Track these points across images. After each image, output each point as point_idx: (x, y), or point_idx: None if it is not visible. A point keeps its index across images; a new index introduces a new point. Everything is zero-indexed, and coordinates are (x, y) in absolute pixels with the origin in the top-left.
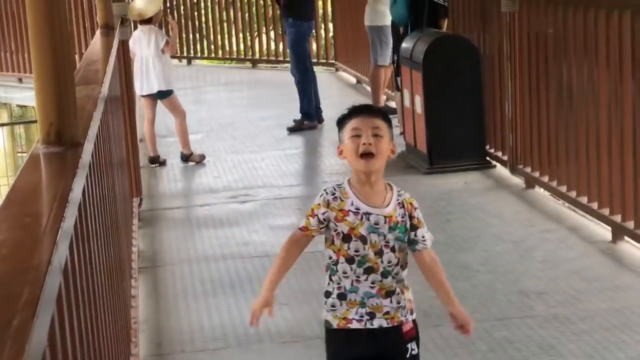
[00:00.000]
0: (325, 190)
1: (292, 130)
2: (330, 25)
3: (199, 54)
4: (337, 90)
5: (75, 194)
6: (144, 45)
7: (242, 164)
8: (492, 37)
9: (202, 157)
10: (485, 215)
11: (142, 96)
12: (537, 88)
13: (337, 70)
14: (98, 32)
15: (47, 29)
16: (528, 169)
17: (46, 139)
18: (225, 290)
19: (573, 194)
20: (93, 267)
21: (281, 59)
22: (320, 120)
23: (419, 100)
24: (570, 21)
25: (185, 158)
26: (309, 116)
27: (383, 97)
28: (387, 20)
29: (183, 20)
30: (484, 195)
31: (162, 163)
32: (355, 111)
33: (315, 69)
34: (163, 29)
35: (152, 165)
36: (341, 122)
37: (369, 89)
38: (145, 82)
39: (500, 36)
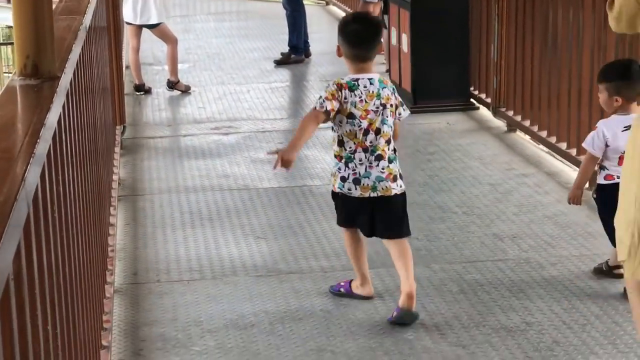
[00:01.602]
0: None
1: (278, 63)
2: None
3: None
4: (326, 24)
5: (49, 124)
6: None
7: (227, 96)
8: None
9: (188, 87)
10: (465, 157)
11: (129, 24)
12: (523, 32)
13: (327, 4)
14: None
15: None
16: (510, 113)
17: (23, 71)
18: (204, 222)
19: (553, 139)
20: (67, 196)
21: None
22: (308, 54)
23: (405, 39)
24: None
25: (172, 85)
26: (297, 50)
27: None
28: None
29: None
30: (466, 137)
31: (147, 91)
32: (355, 19)
33: (305, 2)
34: None
35: (137, 93)
36: (344, 27)
37: None
38: (141, 13)
39: None
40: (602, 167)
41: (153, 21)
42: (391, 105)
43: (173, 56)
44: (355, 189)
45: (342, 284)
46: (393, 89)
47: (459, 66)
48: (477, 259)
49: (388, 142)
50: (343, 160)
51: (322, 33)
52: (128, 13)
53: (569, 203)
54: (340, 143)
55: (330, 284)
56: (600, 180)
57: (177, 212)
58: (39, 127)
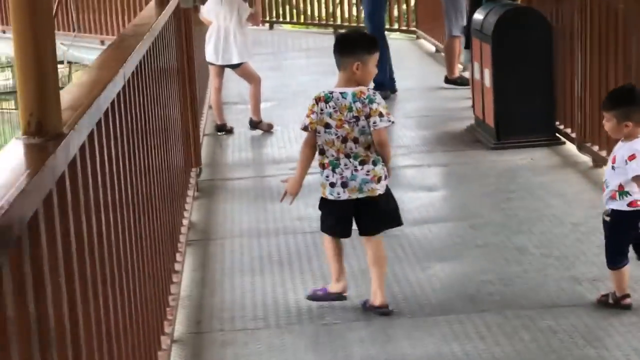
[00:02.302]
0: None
1: None
2: None
3: (281, 19)
4: (415, 59)
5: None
6: (224, 15)
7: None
8: (565, 12)
9: (270, 126)
10: (548, 195)
11: (211, 64)
12: (607, 66)
13: (417, 38)
14: (152, 3)
15: (28, 15)
16: (595, 148)
17: (26, 130)
18: (273, 267)
19: None
20: (110, 244)
21: (363, 25)
22: (394, 90)
23: (487, 74)
24: None
25: (254, 125)
26: (381, 86)
27: (459, 67)
28: None
29: None
30: (549, 174)
31: (229, 131)
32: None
33: (395, 36)
34: None
35: (219, 134)
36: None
37: None
38: (222, 53)
39: (572, 11)
40: (624, 193)
41: (235, 61)
42: (365, 117)
43: (256, 95)
44: (344, 192)
45: (319, 288)
46: (369, 100)
47: (543, 100)
48: (553, 304)
49: (368, 148)
50: (330, 167)
51: (410, 69)
52: (210, 53)
53: None
54: (322, 152)
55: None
56: (622, 206)
57: (247, 256)
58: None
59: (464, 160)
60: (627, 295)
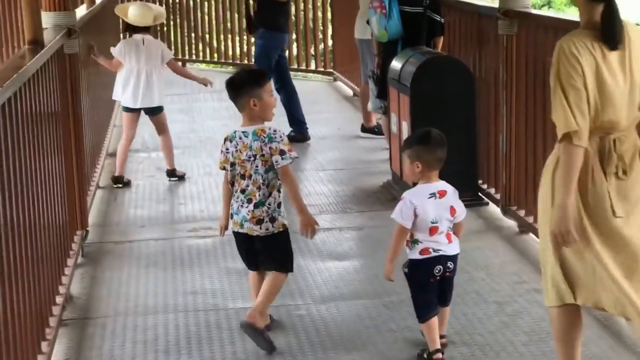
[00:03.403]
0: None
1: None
2: (329, 32)
3: (193, 57)
4: (332, 103)
5: None
6: (147, 56)
7: (212, 189)
8: (489, 62)
9: (183, 174)
10: (470, 266)
11: (129, 110)
12: (534, 121)
13: (335, 80)
14: (24, 48)
15: None
16: (522, 212)
17: None
18: (158, 355)
19: None
20: None
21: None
22: (306, 137)
23: (405, 127)
24: None
25: (171, 174)
26: (303, 125)
27: (376, 116)
28: None
29: (179, 21)
30: (472, 240)
31: (126, 184)
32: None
33: (313, 77)
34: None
35: (115, 186)
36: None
37: None
38: (142, 96)
39: (497, 61)
40: (414, 241)
41: (156, 104)
42: (262, 156)
43: (170, 146)
44: (231, 222)
45: None
46: (269, 139)
47: (465, 157)
48: None
49: (258, 188)
50: (233, 199)
51: (327, 114)
52: (127, 98)
53: (386, 278)
54: (232, 184)
55: None
56: (415, 255)
57: (129, 342)
58: None
59: (380, 222)
60: (439, 351)
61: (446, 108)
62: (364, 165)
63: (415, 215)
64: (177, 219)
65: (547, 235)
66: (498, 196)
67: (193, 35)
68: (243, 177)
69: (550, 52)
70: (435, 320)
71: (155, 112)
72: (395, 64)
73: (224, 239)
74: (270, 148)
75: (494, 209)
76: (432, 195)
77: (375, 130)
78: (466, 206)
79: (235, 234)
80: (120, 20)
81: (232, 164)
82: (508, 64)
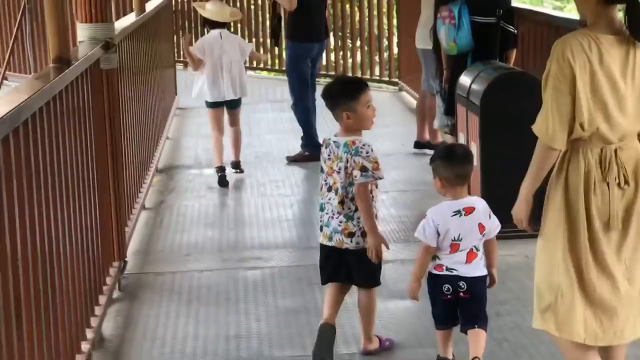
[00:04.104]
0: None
1: (290, 160)
2: (395, 40)
3: (254, 63)
4: (396, 115)
5: None
6: (229, 48)
7: (265, 212)
8: None
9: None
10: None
11: (214, 106)
12: None
13: (400, 90)
14: (48, 67)
15: None
16: None
17: None
18: None
19: None
20: None
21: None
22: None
23: (475, 149)
24: None
25: (236, 166)
26: (309, 146)
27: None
28: None
29: (239, 25)
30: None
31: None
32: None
33: (377, 87)
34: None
35: (219, 175)
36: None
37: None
38: (233, 87)
39: None
40: (434, 257)
41: (238, 96)
42: (346, 168)
43: (239, 139)
44: (320, 235)
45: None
46: (355, 152)
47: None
48: None
49: (341, 202)
50: (319, 209)
51: (390, 127)
52: (219, 90)
53: (409, 297)
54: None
55: None
56: (431, 269)
57: None
58: None
59: None
60: (445, 359)
61: (519, 129)
62: (429, 187)
63: (438, 234)
64: (225, 247)
65: (555, 252)
66: None
67: (254, 40)
68: (330, 189)
69: None
70: (448, 333)
71: (235, 106)
72: (464, 79)
73: (274, 272)
74: (354, 161)
75: None
76: (457, 212)
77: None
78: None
79: (322, 247)
80: (199, 16)
81: (322, 170)
82: None
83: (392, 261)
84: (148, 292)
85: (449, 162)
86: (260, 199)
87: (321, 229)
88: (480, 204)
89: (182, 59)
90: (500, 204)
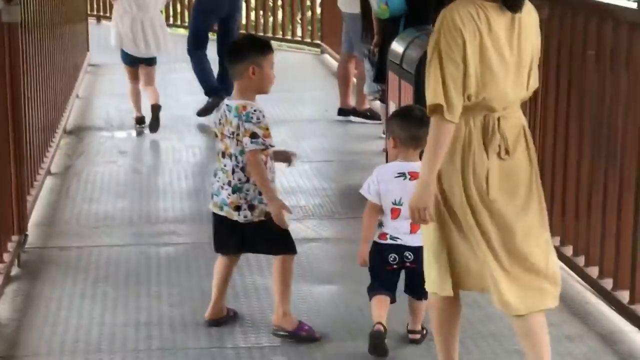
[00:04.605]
0: None
1: (200, 113)
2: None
3: (178, 21)
4: (318, 79)
5: None
6: (151, 4)
7: (180, 181)
8: None
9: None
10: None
11: (132, 63)
12: (566, 123)
13: (322, 52)
14: None
15: None
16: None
17: None
18: None
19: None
20: None
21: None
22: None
23: None
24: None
25: (156, 109)
26: (215, 91)
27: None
28: None
29: None
30: None
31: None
32: None
33: (299, 48)
34: None
35: (138, 126)
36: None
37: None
38: (157, 43)
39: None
40: (379, 223)
41: (155, 54)
42: (237, 135)
43: (157, 95)
44: (211, 203)
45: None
46: (246, 118)
47: None
48: None
49: (232, 171)
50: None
51: (312, 92)
52: (138, 46)
53: (359, 261)
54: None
55: None
56: (375, 237)
57: None
58: None
59: None
60: (379, 323)
61: None
62: (356, 156)
63: (379, 194)
64: (137, 219)
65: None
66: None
67: None
68: (224, 155)
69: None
70: (385, 300)
71: (152, 63)
72: (397, 46)
73: (188, 249)
74: (244, 128)
75: None
76: (401, 174)
77: (368, 114)
78: None
79: (214, 215)
80: None
81: (216, 134)
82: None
83: (316, 239)
84: (51, 270)
85: (404, 122)
86: (176, 167)
87: (212, 197)
88: None
89: (95, 13)
90: None
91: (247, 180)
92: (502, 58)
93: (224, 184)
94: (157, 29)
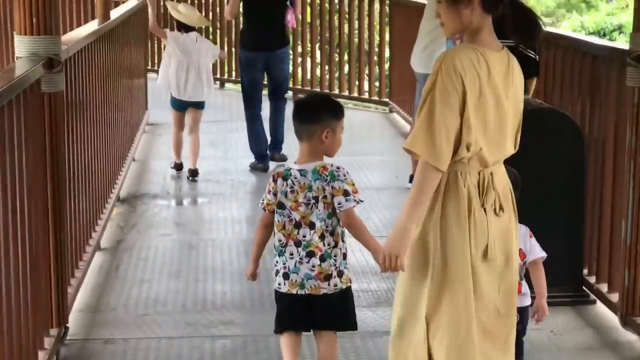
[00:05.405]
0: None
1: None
2: (387, 57)
3: (233, 77)
4: (389, 140)
5: None
6: (200, 51)
7: (240, 259)
8: (605, 119)
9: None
10: None
11: (180, 108)
12: None
13: (390, 111)
14: None
15: None
16: None
17: None
18: None
19: None
20: None
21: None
22: (276, 158)
23: None
24: None
25: (193, 174)
26: (263, 158)
27: None
28: None
29: (219, 36)
30: (576, 357)
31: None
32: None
33: (366, 106)
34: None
35: (176, 172)
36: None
37: None
38: (202, 88)
39: (618, 119)
40: None
41: (203, 98)
42: (324, 197)
43: (198, 144)
44: (284, 284)
45: None
46: (332, 177)
47: (569, 240)
48: None
49: (321, 237)
50: (277, 253)
51: (379, 155)
52: (185, 91)
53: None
54: (274, 234)
55: None
56: None
57: None
58: None
59: None
60: None
61: (546, 174)
62: None
63: None
64: (191, 305)
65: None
66: (613, 297)
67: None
68: (298, 225)
69: None
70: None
71: (198, 106)
72: None
73: (247, 341)
74: (332, 188)
75: (603, 312)
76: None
77: None
78: (565, 304)
79: (287, 295)
80: (169, 18)
81: (281, 206)
82: (638, 124)
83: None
84: None
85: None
86: (235, 241)
87: (286, 277)
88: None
89: (156, 68)
90: None
91: (335, 245)
92: (500, 107)
93: (302, 258)
94: (202, 74)
